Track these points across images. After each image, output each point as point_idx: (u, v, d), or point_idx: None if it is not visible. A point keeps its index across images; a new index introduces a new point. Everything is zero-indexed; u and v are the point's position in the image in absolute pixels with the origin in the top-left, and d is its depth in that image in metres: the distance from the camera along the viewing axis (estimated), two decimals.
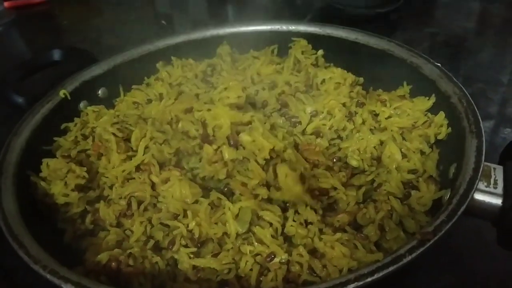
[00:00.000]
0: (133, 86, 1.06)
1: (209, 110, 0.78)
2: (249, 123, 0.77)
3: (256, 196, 0.73)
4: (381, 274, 0.54)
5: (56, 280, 0.57)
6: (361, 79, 1.01)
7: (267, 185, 0.73)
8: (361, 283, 0.53)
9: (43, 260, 0.60)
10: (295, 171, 0.71)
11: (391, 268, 0.54)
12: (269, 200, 0.74)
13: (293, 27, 1.12)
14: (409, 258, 0.55)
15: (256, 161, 0.73)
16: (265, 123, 0.78)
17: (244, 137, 0.74)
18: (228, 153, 0.74)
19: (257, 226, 0.71)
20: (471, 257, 0.81)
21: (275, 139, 0.74)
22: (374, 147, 0.85)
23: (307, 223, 0.73)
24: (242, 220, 0.72)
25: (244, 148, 0.74)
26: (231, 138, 0.75)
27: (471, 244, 0.83)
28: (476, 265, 0.80)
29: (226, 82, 0.85)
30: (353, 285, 0.53)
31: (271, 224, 0.72)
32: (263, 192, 0.72)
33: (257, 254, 0.69)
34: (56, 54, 1.12)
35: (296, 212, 0.74)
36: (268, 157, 0.72)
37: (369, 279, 0.53)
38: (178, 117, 0.84)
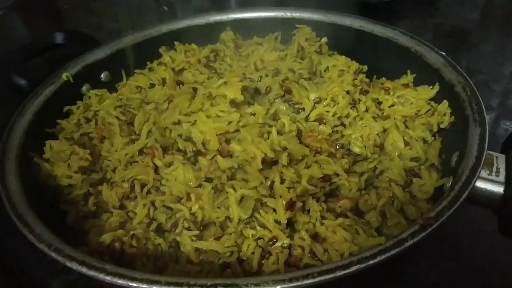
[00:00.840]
0: (136, 71, 1.06)
1: (194, 123, 0.78)
2: (237, 130, 0.77)
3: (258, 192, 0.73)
4: (383, 257, 0.54)
5: (60, 258, 0.57)
6: (365, 67, 1.01)
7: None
8: (363, 265, 0.53)
9: (47, 239, 0.60)
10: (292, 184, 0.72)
11: (393, 252, 0.55)
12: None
13: (297, 14, 1.12)
14: (411, 242, 0.56)
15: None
16: (254, 125, 0.77)
17: (235, 147, 0.74)
18: (222, 164, 0.75)
19: (260, 211, 0.71)
20: (471, 245, 0.82)
21: (266, 145, 0.73)
22: (377, 134, 0.85)
23: (309, 210, 0.74)
24: (245, 206, 0.73)
25: (237, 156, 0.75)
26: (221, 149, 0.75)
27: (471, 232, 0.84)
28: (476, 253, 0.81)
29: (227, 76, 0.84)
30: (355, 267, 0.53)
31: (274, 210, 0.72)
32: (264, 192, 0.73)
33: (259, 238, 0.70)
34: (59, 37, 1.12)
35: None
36: (261, 166, 0.72)
37: (371, 262, 0.54)
38: (169, 128, 0.84)
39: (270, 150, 0.73)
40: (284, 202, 0.70)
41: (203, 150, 0.77)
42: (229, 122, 0.77)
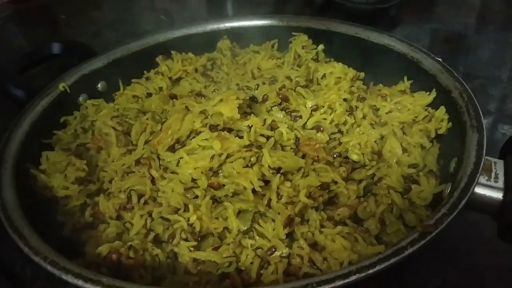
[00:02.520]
0: (133, 80, 1.06)
1: (178, 162, 0.77)
2: (220, 166, 0.75)
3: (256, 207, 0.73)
4: (382, 266, 0.54)
5: (56, 271, 0.57)
6: (362, 74, 1.01)
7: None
8: (362, 275, 0.53)
9: (43, 251, 0.60)
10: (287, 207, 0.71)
11: (392, 260, 0.54)
12: None
13: (293, 22, 1.12)
14: (410, 250, 0.56)
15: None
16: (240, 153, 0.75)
17: (223, 180, 0.74)
18: (216, 193, 0.74)
19: (260, 221, 0.71)
20: (470, 251, 0.82)
21: (254, 174, 0.72)
22: (375, 141, 0.85)
23: (308, 219, 0.73)
24: (243, 218, 0.72)
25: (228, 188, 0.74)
26: (211, 184, 0.74)
27: (470, 238, 0.83)
28: (475, 259, 0.81)
29: (224, 93, 0.83)
30: (354, 277, 0.53)
31: (273, 220, 0.72)
32: (262, 209, 0.72)
33: (258, 248, 0.70)
34: (56, 48, 1.12)
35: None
36: (252, 198, 0.71)
37: (371, 271, 0.53)
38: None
39: (261, 176, 0.72)
40: (282, 219, 0.70)
41: (195, 185, 0.76)
42: (212, 157, 0.74)
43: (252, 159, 0.75)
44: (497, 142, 1.05)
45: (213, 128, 0.78)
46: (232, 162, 0.74)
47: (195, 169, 0.74)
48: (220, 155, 0.74)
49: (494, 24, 1.64)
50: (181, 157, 0.76)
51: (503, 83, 1.29)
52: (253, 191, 0.72)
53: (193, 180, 0.75)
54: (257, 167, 0.73)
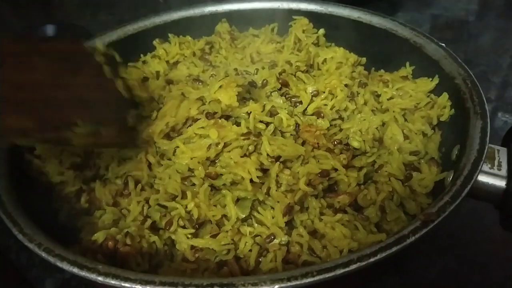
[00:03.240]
0: (129, 63, 1.03)
1: (174, 152, 0.75)
2: (217, 155, 0.73)
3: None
4: (384, 254, 0.53)
5: (51, 258, 0.56)
6: (363, 59, 0.99)
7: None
8: (363, 263, 0.52)
9: (38, 238, 0.59)
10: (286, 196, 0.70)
11: (394, 249, 0.53)
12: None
13: (294, 5, 1.09)
14: (412, 239, 0.55)
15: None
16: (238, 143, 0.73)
17: (221, 170, 0.72)
18: (214, 182, 0.73)
19: (259, 208, 0.70)
20: (469, 239, 0.82)
21: (252, 164, 0.70)
22: (376, 128, 0.83)
23: (307, 207, 0.72)
24: (242, 205, 0.71)
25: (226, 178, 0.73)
26: (209, 174, 0.72)
27: (470, 226, 0.83)
28: (475, 247, 0.80)
29: (222, 79, 0.80)
30: (355, 265, 0.52)
31: (273, 208, 0.71)
32: (261, 197, 0.71)
33: (256, 235, 0.69)
34: (50, 30, 1.10)
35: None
36: (251, 188, 0.70)
37: (372, 260, 0.52)
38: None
39: (259, 165, 0.71)
40: (282, 207, 0.68)
41: (192, 174, 0.74)
42: (209, 147, 0.72)
43: (250, 148, 0.73)
44: (497, 129, 1.05)
45: (209, 115, 0.76)
46: (229, 151, 0.72)
47: (191, 159, 0.72)
48: (217, 144, 0.72)
49: (495, 10, 1.62)
50: (177, 147, 0.74)
51: (504, 70, 1.28)
52: (251, 180, 0.70)
53: (190, 169, 0.74)
54: (255, 157, 0.71)
